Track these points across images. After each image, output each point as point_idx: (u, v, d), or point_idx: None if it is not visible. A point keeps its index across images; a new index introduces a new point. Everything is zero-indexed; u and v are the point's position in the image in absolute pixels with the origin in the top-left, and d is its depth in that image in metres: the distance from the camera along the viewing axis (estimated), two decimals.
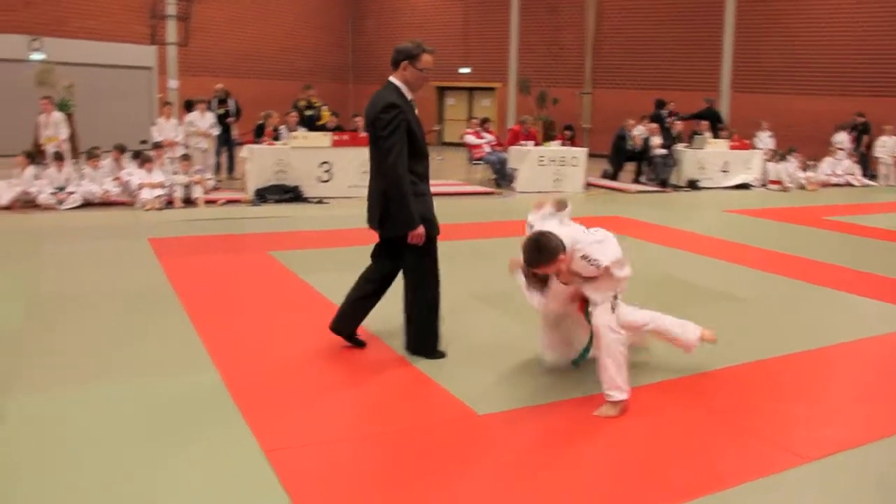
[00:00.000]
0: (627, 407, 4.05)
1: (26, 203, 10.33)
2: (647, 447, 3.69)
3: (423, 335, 4.79)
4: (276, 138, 12.71)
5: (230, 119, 14.38)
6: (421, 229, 4.51)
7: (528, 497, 3.17)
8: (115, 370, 4.46)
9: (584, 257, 4.02)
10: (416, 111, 4.73)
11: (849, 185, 17.68)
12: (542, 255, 3.97)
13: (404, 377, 4.53)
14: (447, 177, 16.08)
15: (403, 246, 4.62)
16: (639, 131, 16.25)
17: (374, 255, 4.92)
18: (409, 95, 4.64)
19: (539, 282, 4.35)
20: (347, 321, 4.91)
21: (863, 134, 18.54)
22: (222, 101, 14.55)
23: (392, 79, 4.63)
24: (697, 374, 4.67)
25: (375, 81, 28.05)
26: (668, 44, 22.11)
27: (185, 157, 11.57)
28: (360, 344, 4.95)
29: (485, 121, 15.74)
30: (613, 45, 22.96)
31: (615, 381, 4.02)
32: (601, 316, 4.10)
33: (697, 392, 4.42)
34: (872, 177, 18.36)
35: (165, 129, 13.03)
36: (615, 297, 4.18)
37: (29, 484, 3.16)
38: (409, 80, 4.62)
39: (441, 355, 4.79)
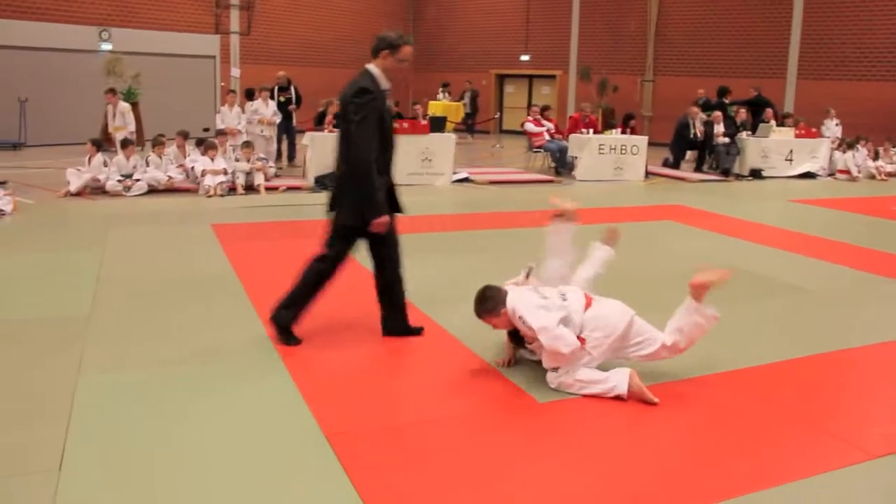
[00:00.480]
0: (689, 397, 4.01)
1: (94, 190, 10.60)
2: (712, 438, 3.65)
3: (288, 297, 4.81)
4: (337, 126, 12.79)
5: (291, 107, 14.52)
6: (385, 218, 4.55)
7: (583, 486, 3.16)
8: (180, 354, 4.56)
9: (520, 318, 4.10)
10: (391, 102, 4.75)
11: None
12: (483, 304, 4.24)
13: (464, 363, 4.55)
14: (506, 165, 16.05)
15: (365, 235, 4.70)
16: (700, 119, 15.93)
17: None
18: (384, 84, 4.63)
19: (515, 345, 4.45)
20: (392, 322, 4.98)
21: None
22: (284, 89, 14.69)
23: (369, 66, 4.63)
24: (762, 366, 4.60)
25: (436, 69, 28.27)
26: (733, 30, 21.63)
27: (247, 145, 11.74)
28: (415, 332, 5.00)
29: (545, 109, 15.63)
30: (676, 32, 22.58)
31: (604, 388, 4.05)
32: (551, 381, 4.15)
33: (762, 384, 4.35)
34: None
35: (228, 117, 13.22)
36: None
37: (95, 456, 3.27)
38: (388, 68, 4.62)
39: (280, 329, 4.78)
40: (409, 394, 4.10)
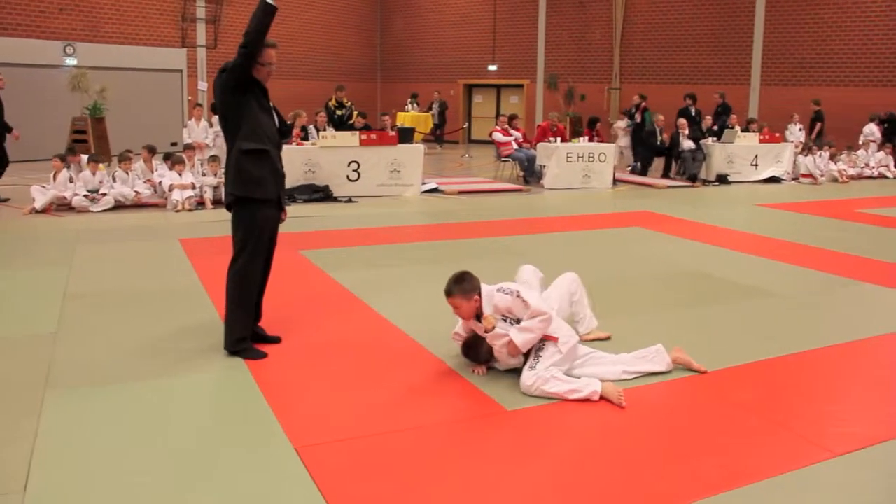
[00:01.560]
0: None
1: (60, 206, 10.50)
2: (676, 441, 3.69)
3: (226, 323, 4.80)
4: (305, 138, 12.82)
5: None
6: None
7: (554, 492, 3.19)
8: (148, 369, 4.53)
9: (499, 289, 4.35)
10: (272, 105, 4.81)
11: (882, 176, 17.46)
12: (460, 284, 4.37)
13: (431, 371, 4.56)
14: (475, 174, 16.12)
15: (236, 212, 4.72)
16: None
17: None
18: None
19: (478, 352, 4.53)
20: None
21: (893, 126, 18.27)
22: None
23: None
24: (728, 368, 4.66)
25: (404, 80, 28.39)
26: (697, 37, 21.93)
27: (214, 159, 11.67)
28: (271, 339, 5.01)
29: (513, 118, 15.72)
30: (641, 40, 22.84)
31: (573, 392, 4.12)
32: (523, 382, 4.21)
33: (729, 386, 4.40)
34: None
35: (195, 131, 13.20)
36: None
37: (61, 477, 3.24)
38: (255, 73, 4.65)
39: (239, 352, 4.73)
40: (378, 403, 4.10)
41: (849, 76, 19.97)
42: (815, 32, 20.28)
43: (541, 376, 4.14)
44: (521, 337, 4.25)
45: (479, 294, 4.39)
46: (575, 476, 3.33)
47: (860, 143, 17.94)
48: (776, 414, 4.03)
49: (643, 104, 16.91)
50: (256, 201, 4.64)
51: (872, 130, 18.24)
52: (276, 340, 5.00)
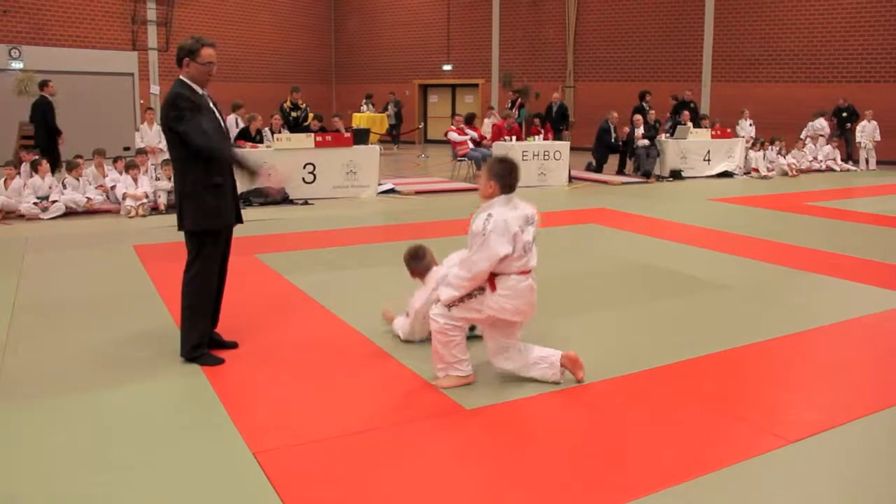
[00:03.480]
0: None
1: (8, 214, 10.27)
2: (635, 434, 3.74)
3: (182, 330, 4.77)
4: (260, 141, 12.73)
5: None
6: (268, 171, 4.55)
7: (516, 489, 3.21)
8: (103, 378, 4.46)
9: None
10: (215, 105, 4.71)
11: (830, 170, 17.88)
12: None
13: (389, 372, 4.56)
14: (432, 174, 16.13)
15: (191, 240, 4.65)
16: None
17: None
18: (199, 90, 4.60)
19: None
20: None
21: (848, 119, 18.73)
22: None
23: (180, 76, 4.58)
24: (683, 361, 4.73)
25: (359, 81, 28.32)
26: (649, 35, 22.21)
27: (167, 162, 11.52)
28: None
29: (471, 118, 15.77)
30: (594, 38, 23.06)
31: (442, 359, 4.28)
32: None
33: (684, 378, 4.47)
34: (855, 162, 18.57)
35: (148, 135, 13.05)
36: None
37: (9, 489, 3.18)
38: (195, 75, 4.56)
39: (196, 359, 4.69)
40: (336, 406, 4.08)
41: (796, 73, 20.37)
42: (763, 30, 20.66)
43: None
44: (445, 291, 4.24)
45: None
46: (535, 473, 3.35)
47: (803, 137, 18.34)
48: (731, 404, 4.10)
49: (519, 100, 17.15)
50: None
51: (823, 125, 18.68)
52: (233, 345, 4.96)
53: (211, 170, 4.51)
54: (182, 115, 4.39)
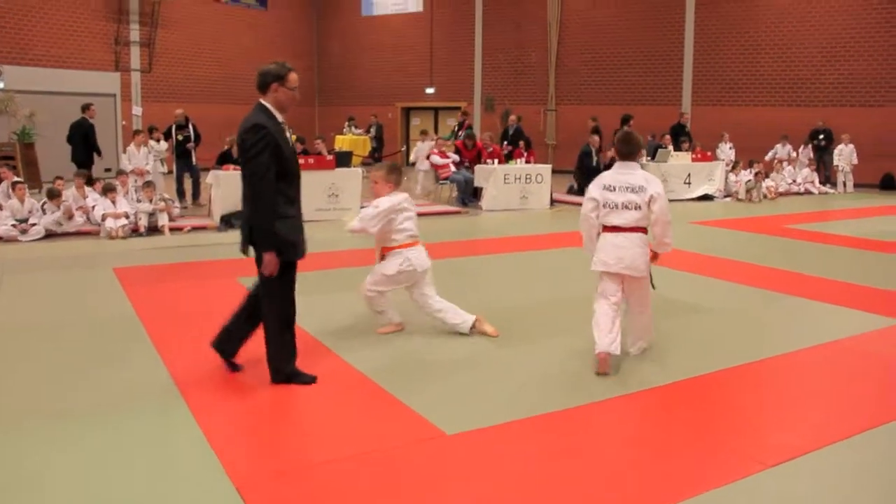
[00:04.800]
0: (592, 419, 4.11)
1: None
2: (616, 459, 3.74)
3: (270, 354, 4.74)
4: (237, 162, 12.74)
5: (189, 145, 14.31)
6: (271, 255, 4.45)
7: None
8: (82, 403, 4.42)
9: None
10: (289, 133, 4.73)
11: (808, 192, 18.08)
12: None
13: (368, 396, 4.55)
14: (415, 197, 16.13)
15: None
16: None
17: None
18: (279, 117, 4.63)
19: None
20: (232, 342, 4.90)
21: (826, 142, 18.99)
22: (182, 127, 14.49)
23: (262, 101, 4.61)
24: (664, 386, 4.74)
25: (341, 104, 28.31)
26: (631, 59, 22.42)
27: (148, 185, 11.48)
28: (235, 368, 4.94)
29: (466, 132, 15.87)
30: (576, 62, 23.24)
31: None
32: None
33: (665, 403, 4.49)
34: (833, 184, 18.80)
35: (137, 157, 13.01)
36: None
37: None
38: (281, 100, 4.62)
39: (290, 379, 4.71)
40: (317, 432, 4.07)
41: (774, 97, 20.63)
42: (741, 55, 20.92)
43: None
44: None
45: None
46: (516, 499, 3.34)
47: (768, 159, 18.59)
48: (711, 428, 4.12)
49: (466, 121, 17.24)
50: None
51: (788, 149, 19.02)
52: (238, 368, 4.94)
53: (278, 202, 4.50)
54: (255, 148, 4.39)
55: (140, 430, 4.08)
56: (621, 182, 5.04)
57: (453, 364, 5.16)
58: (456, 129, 17.06)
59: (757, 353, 5.43)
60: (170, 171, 14.56)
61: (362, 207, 12.79)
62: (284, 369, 4.72)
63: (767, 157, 18.73)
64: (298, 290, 4.89)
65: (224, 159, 12.86)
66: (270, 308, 4.70)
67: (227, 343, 4.90)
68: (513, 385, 4.75)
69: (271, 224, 4.44)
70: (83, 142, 13.80)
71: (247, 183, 4.48)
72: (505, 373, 4.97)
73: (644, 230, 5.09)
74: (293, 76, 4.65)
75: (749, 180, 16.50)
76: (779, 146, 19.17)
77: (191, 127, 14.53)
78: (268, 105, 4.59)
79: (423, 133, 18.22)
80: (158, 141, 14.10)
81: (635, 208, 4.99)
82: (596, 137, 16.54)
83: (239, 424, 4.16)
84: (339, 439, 3.97)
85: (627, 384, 4.74)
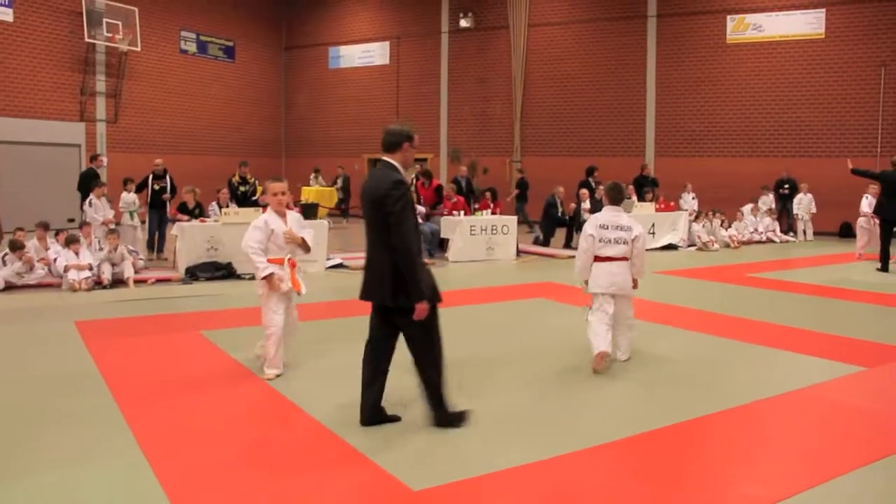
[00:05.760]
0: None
1: None
2: None
3: (438, 395, 4.89)
4: (199, 215, 12.75)
5: (165, 196, 14.24)
6: (424, 304, 4.65)
7: None
8: (37, 463, 4.32)
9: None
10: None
11: (770, 241, 18.39)
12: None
13: (332, 450, 4.48)
14: None
15: (409, 316, 4.72)
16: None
17: (376, 329, 5.01)
18: (407, 175, 4.89)
19: None
20: (377, 408, 4.99)
21: (791, 191, 19.41)
22: (159, 177, 14.42)
23: (390, 159, 4.82)
24: (630, 438, 4.74)
25: (308, 154, 28.35)
26: (594, 112, 22.84)
27: (111, 232, 11.37)
28: (397, 418, 5.06)
29: (428, 174, 15.95)
30: (541, 115, 23.61)
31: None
32: None
33: (631, 456, 4.48)
34: (794, 233, 19.16)
35: (101, 208, 12.92)
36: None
37: None
38: (406, 160, 4.87)
39: (458, 419, 4.91)
40: (281, 489, 4.00)
41: (735, 147, 21.11)
42: (702, 107, 21.47)
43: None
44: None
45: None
46: None
47: (755, 207, 18.92)
48: (676, 480, 4.11)
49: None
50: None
51: (771, 200, 19.36)
52: (396, 419, 5.04)
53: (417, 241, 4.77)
54: (400, 202, 4.62)
55: (100, 491, 3.98)
56: (613, 222, 6.47)
57: (414, 416, 5.12)
58: (415, 179, 17.14)
59: (722, 404, 5.46)
60: (143, 222, 14.43)
61: (328, 259, 12.85)
62: (448, 410, 4.89)
63: (758, 206, 18.99)
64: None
65: (181, 210, 12.85)
66: (434, 350, 4.88)
67: (377, 410, 4.99)
68: (481, 436, 4.73)
69: (419, 275, 4.65)
70: (87, 191, 13.77)
71: (395, 237, 4.63)
72: (473, 424, 4.93)
73: (627, 259, 6.48)
74: (416, 137, 4.96)
75: (704, 223, 16.92)
76: (764, 196, 19.46)
77: (168, 178, 14.44)
78: (395, 163, 4.81)
79: None
80: (130, 192, 14.00)
81: (623, 243, 6.41)
82: (561, 189, 16.72)
83: (205, 482, 4.07)
84: (304, 497, 3.90)
85: (592, 437, 4.73)
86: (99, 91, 21.85)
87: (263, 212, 6.42)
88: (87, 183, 13.87)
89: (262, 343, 6.17)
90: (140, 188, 14.31)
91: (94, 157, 14.75)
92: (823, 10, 20.02)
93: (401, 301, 4.70)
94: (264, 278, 6.01)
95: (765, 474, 4.24)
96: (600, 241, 6.42)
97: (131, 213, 13.71)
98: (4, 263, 10.56)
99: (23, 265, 10.55)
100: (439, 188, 15.75)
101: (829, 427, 5.09)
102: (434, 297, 4.80)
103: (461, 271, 13.08)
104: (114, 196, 14.16)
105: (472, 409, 5.04)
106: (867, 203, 14.77)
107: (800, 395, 5.75)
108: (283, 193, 6.20)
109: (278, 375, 6.05)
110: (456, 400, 5.42)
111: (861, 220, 15.02)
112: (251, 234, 6.01)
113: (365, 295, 4.92)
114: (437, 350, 4.90)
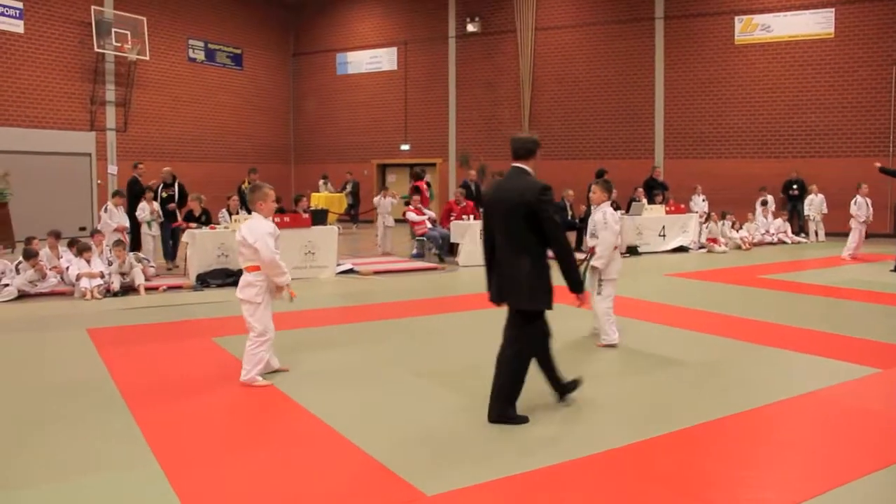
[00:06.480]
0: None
1: None
2: None
3: (507, 390, 5.09)
4: (206, 222, 12.80)
5: (171, 205, 14.22)
6: (587, 293, 5.04)
7: None
8: (53, 471, 4.33)
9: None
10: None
11: (781, 242, 18.32)
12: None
13: (348, 459, 4.49)
14: (391, 253, 16.16)
15: (515, 316, 5.11)
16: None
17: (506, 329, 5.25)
18: None
19: None
20: (558, 380, 5.39)
21: (800, 192, 19.37)
22: (168, 186, 14.41)
23: (524, 166, 5.13)
24: (642, 441, 4.72)
25: (317, 161, 28.43)
26: (603, 115, 22.81)
27: (118, 244, 11.41)
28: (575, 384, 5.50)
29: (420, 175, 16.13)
30: (549, 118, 23.58)
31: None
32: None
33: (642, 460, 4.46)
34: (805, 234, 19.09)
35: (117, 215, 12.93)
36: None
37: None
38: (535, 166, 5.15)
39: (522, 419, 5.08)
40: (289, 494, 4.00)
41: (744, 149, 21.06)
42: (711, 109, 21.41)
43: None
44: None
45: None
46: None
47: (759, 212, 18.85)
48: (689, 485, 4.10)
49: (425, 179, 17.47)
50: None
51: (771, 201, 19.32)
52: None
53: (544, 256, 4.96)
54: (551, 206, 4.94)
55: (115, 498, 4.00)
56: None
57: (426, 421, 5.12)
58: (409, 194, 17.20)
59: (733, 407, 5.43)
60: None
61: (338, 264, 12.88)
62: (509, 407, 5.06)
63: (760, 209, 18.95)
64: (279, 350, 4.88)
65: (187, 219, 12.90)
66: (530, 347, 5.16)
67: (558, 382, 5.41)
68: (494, 442, 4.72)
69: (576, 268, 5.03)
70: (135, 198, 14.16)
71: (555, 240, 4.95)
72: (485, 429, 4.93)
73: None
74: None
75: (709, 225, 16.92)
76: (763, 197, 19.38)
77: (176, 186, 14.41)
78: (528, 169, 5.11)
79: (385, 189, 18.32)
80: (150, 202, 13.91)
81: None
82: (571, 192, 16.69)
83: (219, 489, 4.08)
84: (314, 502, 3.91)
85: (602, 441, 4.72)
86: (108, 100, 21.96)
87: (274, 218, 6.51)
88: (133, 190, 14.42)
89: (260, 351, 6.18)
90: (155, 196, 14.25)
91: (135, 166, 15.12)
92: (832, 9, 19.95)
93: (537, 304, 5.01)
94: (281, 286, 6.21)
95: (777, 478, 4.22)
96: (620, 234, 7.60)
97: (149, 223, 13.56)
98: (18, 272, 10.63)
99: (35, 273, 10.62)
100: (416, 188, 16.13)
101: (842, 430, 5.06)
102: (548, 302, 5.05)
103: (471, 275, 13.06)
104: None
105: (484, 414, 5.04)
106: (855, 207, 14.87)
107: (813, 397, 5.72)
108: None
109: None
110: (467, 405, 5.42)
111: (852, 222, 15.06)
112: (269, 241, 6.11)
113: (499, 298, 5.16)
114: (529, 353, 5.17)
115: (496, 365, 5.14)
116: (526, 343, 5.12)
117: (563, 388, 5.45)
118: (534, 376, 6.25)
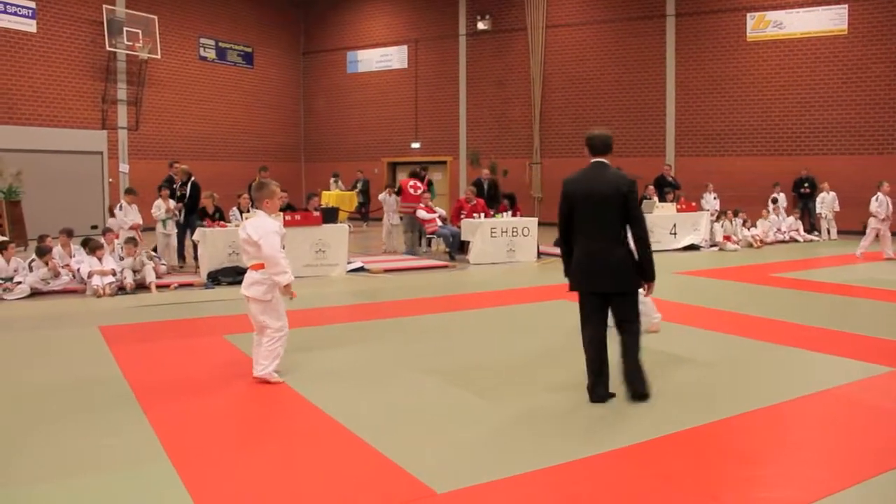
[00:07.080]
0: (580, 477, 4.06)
1: None
2: None
3: (639, 371, 5.45)
4: (220, 219, 12.80)
5: (179, 205, 14.16)
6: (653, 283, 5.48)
7: None
8: (65, 468, 4.34)
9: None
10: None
11: (793, 240, 18.24)
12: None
13: (359, 456, 4.48)
14: (400, 251, 16.15)
15: (623, 298, 5.41)
16: None
17: (593, 315, 5.48)
18: None
19: None
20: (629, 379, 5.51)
21: (811, 190, 19.30)
22: (183, 184, 14.37)
23: (604, 160, 5.52)
24: (655, 439, 4.70)
25: (328, 159, 28.50)
26: (614, 112, 22.73)
27: (130, 241, 11.44)
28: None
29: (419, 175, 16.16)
30: (560, 116, 23.55)
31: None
32: None
33: (656, 458, 4.44)
34: (818, 232, 19.00)
35: (131, 213, 12.96)
36: None
37: None
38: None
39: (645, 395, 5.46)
40: (300, 490, 4.00)
41: (756, 147, 20.96)
42: (722, 107, 21.32)
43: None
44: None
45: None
46: None
47: (771, 209, 18.77)
48: (703, 483, 4.07)
49: (427, 178, 17.34)
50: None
51: (783, 198, 19.23)
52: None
53: (629, 242, 5.37)
54: (636, 198, 5.36)
55: (126, 495, 4.00)
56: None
57: (438, 418, 5.11)
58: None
59: (747, 405, 5.40)
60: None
61: (349, 262, 12.89)
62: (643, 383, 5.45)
63: (772, 207, 18.86)
64: (292, 348, 4.87)
65: (203, 215, 12.90)
66: (638, 327, 5.48)
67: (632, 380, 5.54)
68: (504, 440, 4.71)
69: (653, 259, 5.41)
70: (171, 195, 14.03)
71: (641, 230, 5.32)
72: (495, 427, 4.92)
73: None
74: None
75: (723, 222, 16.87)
76: (775, 194, 19.30)
77: (190, 184, 14.27)
78: (608, 163, 5.49)
79: (390, 187, 18.23)
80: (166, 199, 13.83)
81: None
82: None
83: (230, 487, 4.08)
84: (324, 498, 3.90)
85: (619, 438, 4.70)
86: (120, 99, 22.03)
87: (285, 216, 6.49)
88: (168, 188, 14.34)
89: (277, 346, 6.21)
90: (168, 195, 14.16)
91: (171, 164, 15.02)
92: (846, 5, 19.83)
93: (637, 284, 5.41)
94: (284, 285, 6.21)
95: (790, 477, 4.19)
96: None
97: (164, 222, 13.43)
98: (31, 270, 10.68)
99: (48, 271, 10.67)
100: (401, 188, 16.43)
101: (856, 428, 5.03)
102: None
103: (482, 273, 13.06)
104: (142, 205, 14.06)
105: (495, 412, 5.02)
106: (876, 204, 14.60)
107: (826, 395, 5.68)
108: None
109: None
110: (479, 402, 5.41)
111: (871, 221, 14.82)
112: (275, 239, 6.15)
113: (590, 285, 5.41)
114: (640, 330, 5.49)
115: (594, 349, 5.45)
116: (637, 317, 5.47)
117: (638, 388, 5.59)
118: (537, 375, 6.23)
